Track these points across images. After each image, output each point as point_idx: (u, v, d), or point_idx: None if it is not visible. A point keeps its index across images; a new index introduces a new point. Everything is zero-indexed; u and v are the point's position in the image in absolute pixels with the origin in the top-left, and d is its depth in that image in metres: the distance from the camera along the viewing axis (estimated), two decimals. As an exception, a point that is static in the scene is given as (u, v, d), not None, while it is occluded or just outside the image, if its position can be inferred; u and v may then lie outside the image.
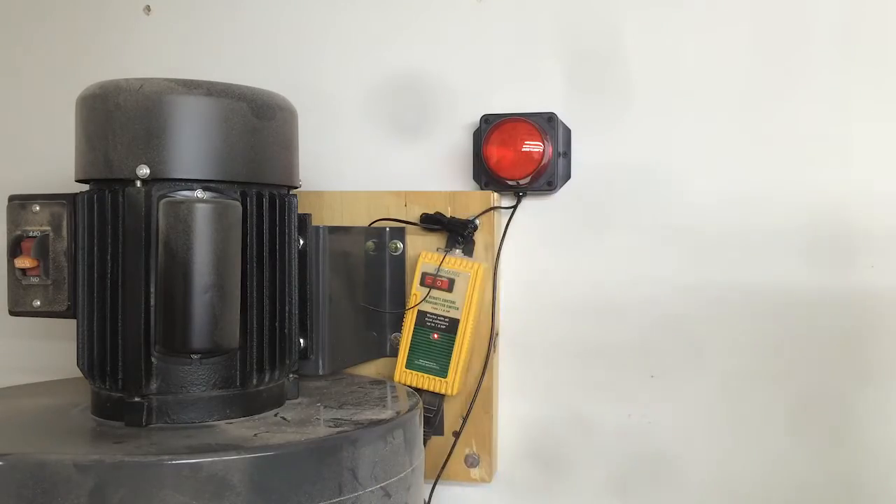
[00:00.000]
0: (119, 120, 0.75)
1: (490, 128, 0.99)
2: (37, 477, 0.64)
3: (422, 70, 1.07)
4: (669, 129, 1.00)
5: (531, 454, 1.04)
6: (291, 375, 0.85)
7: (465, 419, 1.00)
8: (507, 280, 1.04)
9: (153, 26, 1.15)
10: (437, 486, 1.01)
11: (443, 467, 1.01)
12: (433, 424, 0.99)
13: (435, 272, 0.98)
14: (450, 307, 0.98)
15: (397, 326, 1.01)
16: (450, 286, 0.98)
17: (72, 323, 0.79)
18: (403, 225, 1.02)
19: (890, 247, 0.96)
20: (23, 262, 0.78)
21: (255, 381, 0.79)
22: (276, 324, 0.81)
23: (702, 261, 1.00)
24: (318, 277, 0.89)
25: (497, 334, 1.02)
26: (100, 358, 0.76)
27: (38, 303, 0.79)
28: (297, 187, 0.85)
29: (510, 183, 1.00)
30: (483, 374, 1.00)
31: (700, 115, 1.00)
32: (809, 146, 0.97)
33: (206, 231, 0.71)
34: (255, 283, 0.78)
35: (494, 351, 1.01)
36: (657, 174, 1.01)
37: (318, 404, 0.84)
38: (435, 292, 0.98)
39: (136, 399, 0.74)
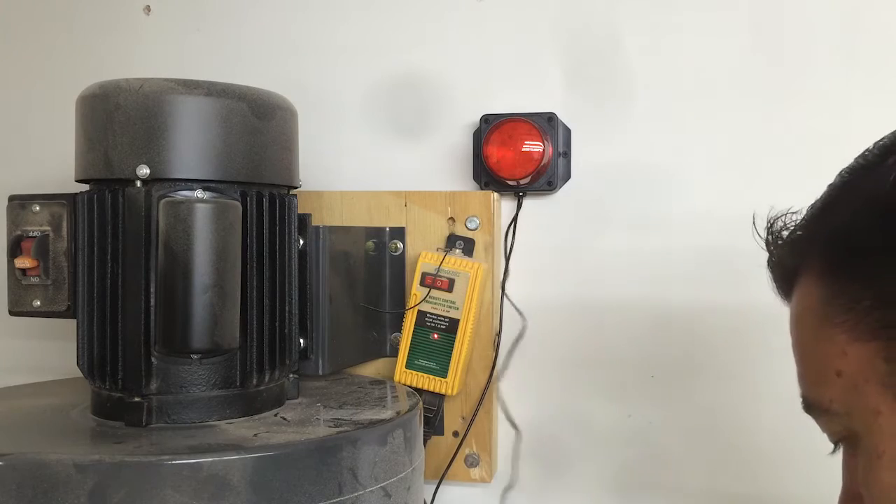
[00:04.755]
0: (119, 120, 0.75)
1: (490, 128, 0.99)
2: (37, 477, 0.64)
3: (422, 70, 1.07)
4: (670, 129, 1.00)
5: (531, 454, 1.04)
6: (291, 375, 0.85)
7: (470, 421, 1.00)
8: (507, 280, 1.03)
9: (153, 26, 1.15)
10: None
11: (447, 468, 1.01)
12: (433, 424, 0.99)
13: (435, 272, 0.98)
14: (450, 307, 0.98)
15: (397, 326, 1.01)
16: (450, 286, 0.98)
17: (72, 323, 0.79)
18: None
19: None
20: (23, 262, 0.78)
21: (255, 381, 0.79)
22: (276, 324, 0.81)
23: (702, 261, 1.00)
24: (318, 277, 0.89)
25: (497, 334, 1.02)
26: (100, 358, 0.76)
27: (38, 303, 0.79)
28: (297, 187, 0.85)
29: (510, 183, 1.00)
30: (490, 376, 1.00)
31: (700, 115, 1.00)
32: (810, 146, 0.97)
33: (206, 231, 0.71)
34: (255, 283, 0.78)
35: (496, 351, 1.02)
36: (657, 174, 1.01)
37: (318, 404, 0.84)
38: (435, 292, 0.98)
39: (136, 399, 0.74)
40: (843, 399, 0.49)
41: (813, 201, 0.54)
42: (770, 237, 0.56)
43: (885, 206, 0.47)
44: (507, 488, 1.06)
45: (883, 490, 0.47)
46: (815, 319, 0.51)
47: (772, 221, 0.56)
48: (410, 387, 0.98)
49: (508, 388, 1.05)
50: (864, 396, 0.47)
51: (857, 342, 0.47)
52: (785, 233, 0.55)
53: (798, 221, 0.54)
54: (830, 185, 0.53)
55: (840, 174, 0.52)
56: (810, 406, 0.53)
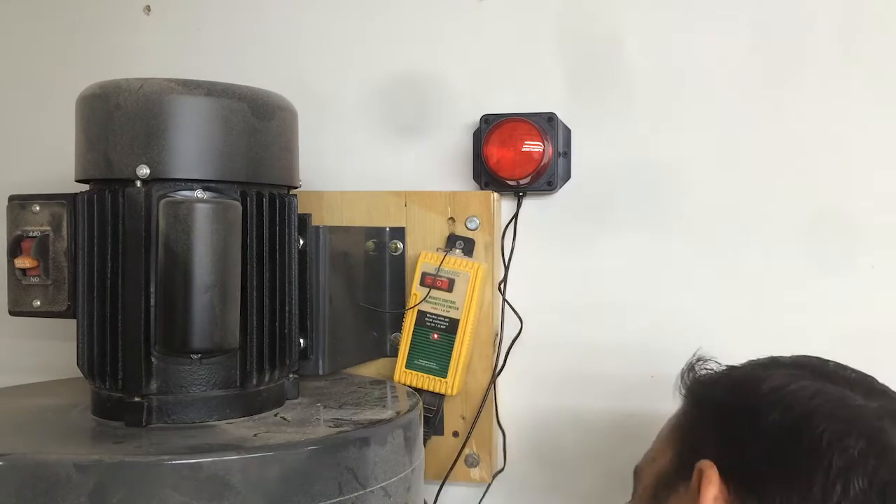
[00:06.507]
0: (119, 120, 0.75)
1: (490, 128, 0.99)
2: (37, 477, 0.64)
3: (422, 70, 1.07)
4: (669, 129, 1.00)
5: (531, 454, 1.04)
6: (291, 375, 0.85)
7: (473, 421, 1.00)
8: (507, 280, 1.03)
9: (153, 26, 1.15)
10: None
11: (450, 469, 1.01)
12: (433, 424, 0.99)
13: (435, 272, 0.98)
14: (450, 307, 0.98)
15: (397, 326, 1.01)
16: (450, 286, 0.98)
17: (72, 323, 0.79)
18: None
19: (890, 247, 0.96)
20: (23, 262, 0.78)
21: (255, 381, 0.79)
22: (276, 324, 0.81)
23: (702, 260, 1.00)
24: (318, 277, 0.89)
25: (497, 334, 1.02)
26: (100, 358, 0.76)
27: (38, 303, 0.79)
28: (296, 187, 0.86)
29: (510, 183, 1.00)
30: (492, 378, 1.01)
31: (700, 115, 1.00)
32: (810, 145, 0.97)
33: (206, 231, 0.71)
34: (255, 283, 0.78)
35: (496, 351, 1.02)
36: (657, 174, 1.01)
37: (318, 404, 0.84)
38: (435, 292, 0.98)
39: (136, 399, 0.74)
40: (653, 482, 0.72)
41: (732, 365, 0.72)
42: (691, 370, 0.74)
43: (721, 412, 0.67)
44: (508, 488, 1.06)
45: None
46: (674, 433, 0.73)
47: (697, 361, 0.74)
48: (410, 387, 0.98)
49: (508, 387, 1.05)
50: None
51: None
52: (702, 372, 0.73)
53: (710, 374, 0.72)
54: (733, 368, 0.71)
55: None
56: (637, 472, 0.76)
